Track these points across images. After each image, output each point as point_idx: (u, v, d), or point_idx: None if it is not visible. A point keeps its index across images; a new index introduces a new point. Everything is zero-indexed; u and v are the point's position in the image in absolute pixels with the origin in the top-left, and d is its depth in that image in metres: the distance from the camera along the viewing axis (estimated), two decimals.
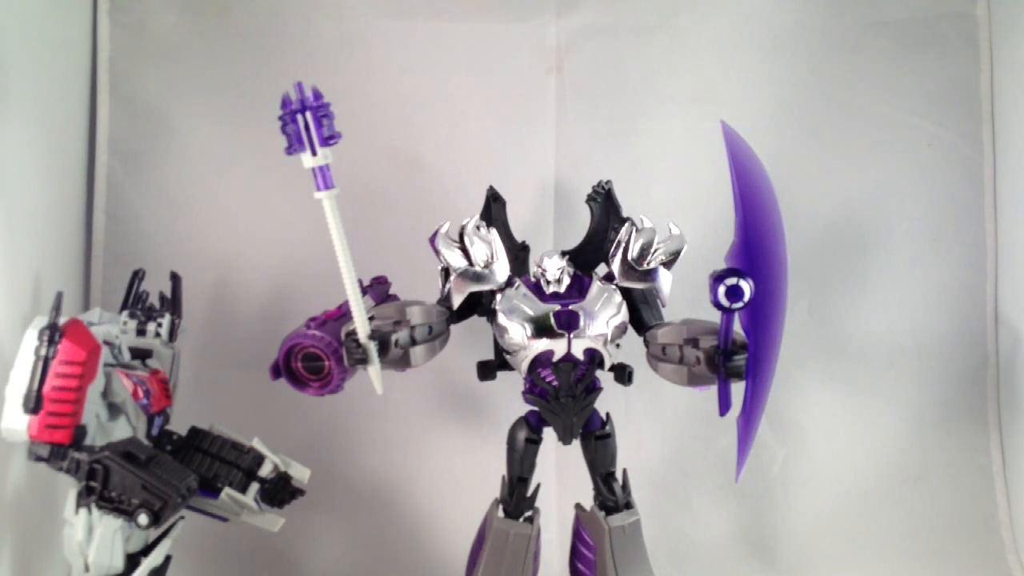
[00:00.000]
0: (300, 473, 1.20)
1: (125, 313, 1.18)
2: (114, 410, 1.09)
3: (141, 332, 1.17)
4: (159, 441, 1.16)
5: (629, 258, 1.10)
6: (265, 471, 1.17)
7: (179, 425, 1.20)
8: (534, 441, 1.13)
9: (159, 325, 1.18)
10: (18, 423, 0.99)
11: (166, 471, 1.04)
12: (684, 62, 1.54)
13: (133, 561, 1.07)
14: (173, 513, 1.06)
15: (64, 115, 1.43)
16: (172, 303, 1.22)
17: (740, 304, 0.94)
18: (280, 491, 1.18)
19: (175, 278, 1.24)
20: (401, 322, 1.06)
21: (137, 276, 1.23)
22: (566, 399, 1.08)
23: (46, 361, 0.98)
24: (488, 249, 1.10)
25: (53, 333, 0.99)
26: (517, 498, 1.13)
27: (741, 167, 0.96)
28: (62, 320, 1.02)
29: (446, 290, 1.12)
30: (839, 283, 1.56)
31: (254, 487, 1.16)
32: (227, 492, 1.13)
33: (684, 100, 1.54)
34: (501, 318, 1.09)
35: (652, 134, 1.54)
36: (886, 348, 1.56)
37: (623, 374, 1.14)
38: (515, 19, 1.53)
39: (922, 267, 1.56)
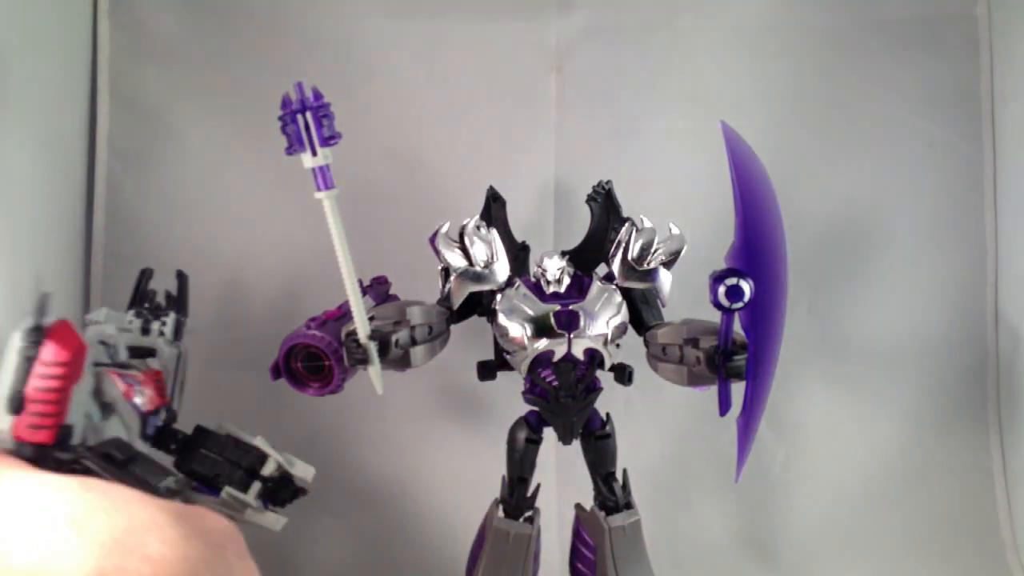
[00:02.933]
0: (304, 472, 1.19)
1: (131, 312, 1.18)
2: (107, 410, 1.09)
3: (145, 331, 1.17)
4: (161, 440, 1.16)
5: (629, 258, 1.10)
6: (268, 470, 1.17)
7: (186, 424, 1.19)
8: (534, 441, 1.13)
9: (163, 324, 1.18)
10: (2, 424, 0.99)
11: (145, 471, 1.04)
12: (684, 62, 1.54)
13: None
14: None
15: (64, 115, 1.43)
16: (178, 302, 1.22)
17: (740, 304, 0.94)
18: (282, 490, 1.18)
19: (181, 276, 1.24)
20: (401, 322, 1.06)
21: (145, 275, 1.23)
22: (566, 399, 1.08)
23: (30, 361, 0.98)
24: (488, 249, 1.10)
25: (37, 334, 0.99)
26: (517, 498, 1.13)
27: (741, 167, 0.96)
28: (51, 320, 1.01)
29: (446, 290, 1.12)
30: (839, 283, 1.56)
31: (256, 486, 1.16)
32: (228, 491, 1.13)
33: (684, 100, 1.53)
34: (501, 318, 1.09)
35: (652, 134, 1.54)
36: (886, 348, 1.56)
37: (623, 374, 1.14)
38: (515, 19, 1.53)
39: (922, 267, 1.56)
